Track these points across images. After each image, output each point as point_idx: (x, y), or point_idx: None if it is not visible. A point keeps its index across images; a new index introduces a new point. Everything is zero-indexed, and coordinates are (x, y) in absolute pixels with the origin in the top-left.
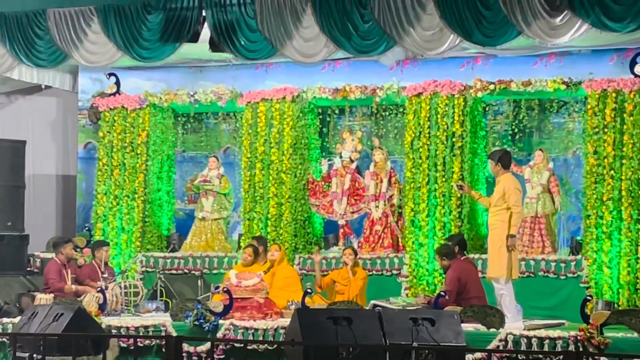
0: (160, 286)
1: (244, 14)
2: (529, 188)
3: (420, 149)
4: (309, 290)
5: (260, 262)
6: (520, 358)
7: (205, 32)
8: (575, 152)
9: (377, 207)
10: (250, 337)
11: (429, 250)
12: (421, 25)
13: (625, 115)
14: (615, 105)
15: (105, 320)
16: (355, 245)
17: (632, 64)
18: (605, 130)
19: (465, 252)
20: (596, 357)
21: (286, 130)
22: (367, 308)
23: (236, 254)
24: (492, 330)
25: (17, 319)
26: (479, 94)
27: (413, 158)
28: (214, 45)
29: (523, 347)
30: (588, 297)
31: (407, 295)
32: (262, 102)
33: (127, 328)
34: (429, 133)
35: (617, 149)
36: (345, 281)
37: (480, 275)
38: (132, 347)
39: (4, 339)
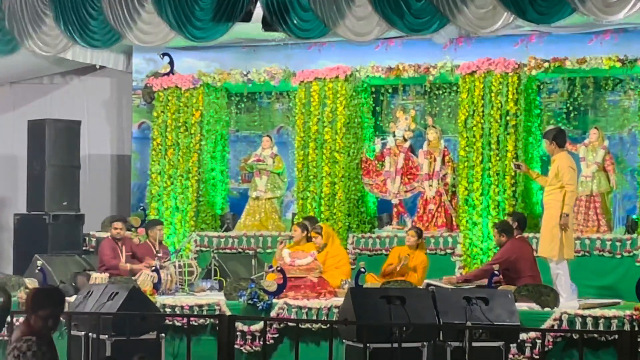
0: (215, 265)
1: None
2: (584, 166)
3: (474, 128)
4: (362, 270)
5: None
6: (575, 337)
7: (258, 12)
8: (631, 130)
9: (430, 186)
10: (304, 317)
11: (483, 229)
12: (474, 3)
13: None
14: None
15: (159, 300)
16: (409, 224)
17: None
18: None
19: (522, 231)
20: None
21: (339, 110)
22: (421, 287)
23: (289, 233)
24: (547, 309)
25: (72, 298)
26: (533, 72)
27: (467, 137)
28: (267, 25)
29: (578, 327)
30: None
31: (461, 274)
32: (315, 82)
33: (182, 307)
34: (483, 111)
35: None
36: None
37: (535, 254)
38: (187, 326)
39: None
